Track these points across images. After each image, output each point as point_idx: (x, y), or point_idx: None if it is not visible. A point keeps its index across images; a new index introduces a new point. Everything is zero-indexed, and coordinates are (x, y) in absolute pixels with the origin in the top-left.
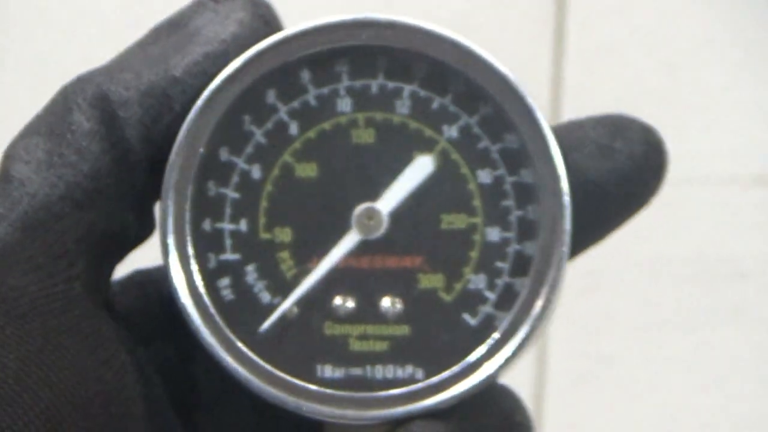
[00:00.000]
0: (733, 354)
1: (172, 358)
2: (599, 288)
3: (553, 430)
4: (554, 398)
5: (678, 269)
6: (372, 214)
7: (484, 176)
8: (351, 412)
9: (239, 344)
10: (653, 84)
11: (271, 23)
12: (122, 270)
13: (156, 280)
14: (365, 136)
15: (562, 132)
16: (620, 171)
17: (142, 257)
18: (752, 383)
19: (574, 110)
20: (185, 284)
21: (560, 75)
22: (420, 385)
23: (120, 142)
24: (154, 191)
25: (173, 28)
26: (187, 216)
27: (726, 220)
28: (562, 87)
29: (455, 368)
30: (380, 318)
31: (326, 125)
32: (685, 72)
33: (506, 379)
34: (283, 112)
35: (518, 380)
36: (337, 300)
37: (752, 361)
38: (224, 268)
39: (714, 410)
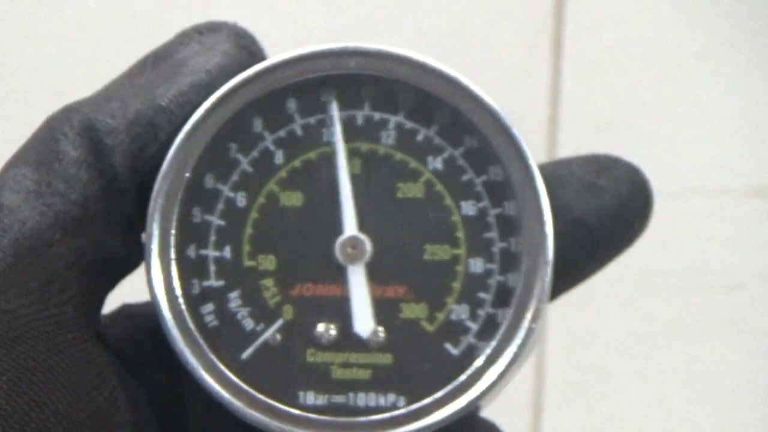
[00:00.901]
0: (728, 365)
1: (161, 385)
2: (594, 300)
3: None
4: (551, 409)
5: (672, 281)
6: (354, 243)
7: (468, 208)
8: None
9: (222, 368)
10: (648, 95)
11: (255, 54)
12: (110, 305)
13: (145, 314)
14: (351, 166)
15: (549, 169)
16: (605, 209)
17: (132, 288)
18: (747, 395)
19: (572, 120)
20: (169, 309)
21: (558, 86)
22: (401, 411)
23: (107, 170)
24: (142, 218)
25: (159, 59)
26: (172, 241)
27: (719, 231)
28: (560, 98)
29: (436, 395)
30: (363, 346)
31: (312, 155)
32: (678, 84)
33: (503, 393)
34: (269, 141)
35: (516, 391)
36: (320, 327)
37: (747, 372)
38: (208, 295)
39: (709, 421)
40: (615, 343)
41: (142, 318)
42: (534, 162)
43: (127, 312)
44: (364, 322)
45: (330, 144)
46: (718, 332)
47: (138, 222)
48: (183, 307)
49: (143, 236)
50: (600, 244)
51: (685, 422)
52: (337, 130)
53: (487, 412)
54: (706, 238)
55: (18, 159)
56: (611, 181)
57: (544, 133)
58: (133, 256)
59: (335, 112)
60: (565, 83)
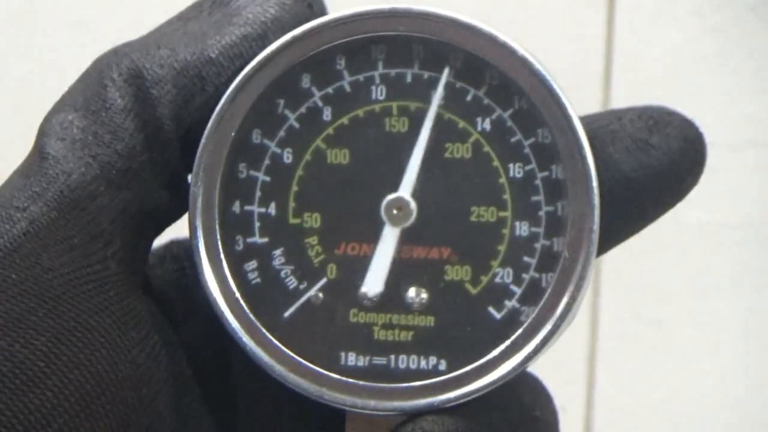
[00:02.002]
0: None
1: (201, 339)
2: (651, 251)
3: (603, 392)
4: (605, 360)
5: (729, 233)
6: (400, 204)
7: (516, 170)
8: (373, 402)
9: (263, 330)
10: (704, 47)
11: (314, 7)
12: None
13: (192, 255)
14: (398, 124)
15: (601, 122)
16: (655, 167)
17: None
18: None
19: (625, 72)
20: (211, 267)
21: (611, 37)
22: (442, 377)
23: (152, 121)
24: (187, 168)
25: (215, 5)
26: (217, 198)
27: None
28: (613, 50)
29: (478, 362)
30: (406, 308)
31: (360, 112)
32: (734, 36)
33: (558, 343)
34: (317, 98)
35: (570, 343)
36: (363, 288)
37: None
38: (251, 252)
39: (766, 373)
40: (670, 295)
41: (190, 259)
42: (582, 129)
43: (175, 251)
44: (374, 283)
45: (378, 101)
46: None
47: (182, 173)
48: (226, 265)
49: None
50: (649, 201)
51: (741, 375)
52: (438, 94)
53: (541, 364)
54: (764, 190)
55: (65, 103)
56: (663, 138)
57: (599, 83)
58: (177, 206)
59: (444, 77)
60: (618, 34)
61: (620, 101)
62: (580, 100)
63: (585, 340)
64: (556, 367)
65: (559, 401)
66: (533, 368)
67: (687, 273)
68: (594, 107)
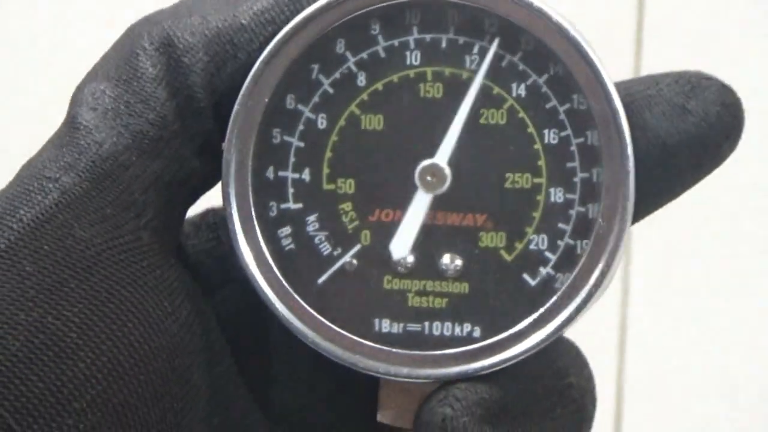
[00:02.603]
0: None
1: (235, 306)
2: (682, 219)
3: (634, 361)
4: (636, 330)
5: (763, 200)
6: (435, 170)
7: (551, 136)
8: (406, 370)
9: (296, 297)
10: (739, 10)
11: None
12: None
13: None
14: (433, 90)
15: (638, 87)
16: (692, 133)
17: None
18: None
19: (657, 35)
20: (244, 234)
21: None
22: (475, 345)
23: (183, 89)
24: (220, 135)
25: None
26: (250, 165)
27: None
28: (645, 11)
29: (512, 329)
30: (440, 274)
31: (394, 78)
32: None
33: (589, 312)
34: (351, 63)
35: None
36: (390, 250)
37: None
38: (285, 217)
39: None
40: (702, 263)
41: (225, 230)
42: (617, 96)
43: (210, 220)
44: (401, 245)
45: (413, 67)
46: None
47: (215, 140)
48: (259, 232)
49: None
50: (685, 166)
51: None
52: (485, 65)
53: (572, 333)
54: None
55: (97, 71)
56: (700, 103)
57: (631, 48)
58: (211, 174)
59: (493, 48)
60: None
61: (652, 67)
62: (612, 67)
63: (616, 309)
64: (587, 336)
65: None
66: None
67: (719, 241)
68: (626, 74)
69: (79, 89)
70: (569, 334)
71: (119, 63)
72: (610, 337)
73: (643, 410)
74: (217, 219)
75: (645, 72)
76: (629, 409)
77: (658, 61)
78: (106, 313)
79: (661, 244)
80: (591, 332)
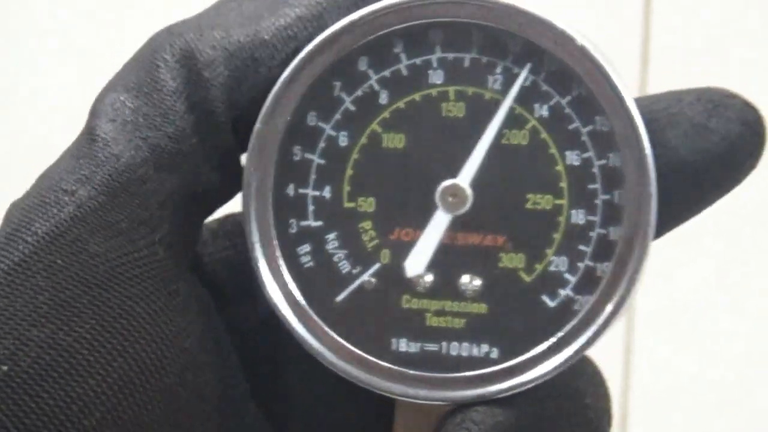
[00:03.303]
0: None
1: (252, 320)
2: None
3: (639, 377)
4: (641, 346)
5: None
6: (456, 191)
7: (573, 158)
8: (423, 392)
9: (314, 316)
10: (746, 21)
11: None
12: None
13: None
14: (455, 109)
15: (660, 104)
16: (713, 152)
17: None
18: None
19: (664, 50)
20: (263, 251)
21: (650, 11)
22: (493, 367)
23: (203, 103)
24: (240, 150)
25: None
26: (271, 182)
27: None
28: (651, 24)
29: (531, 352)
30: (458, 295)
31: (416, 96)
32: None
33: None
34: (374, 81)
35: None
36: (405, 267)
37: None
38: (305, 235)
39: None
40: (707, 280)
41: (242, 238)
42: (640, 118)
43: (229, 227)
44: (415, 263)
45: (435, 86)
46: None
47: (234, 154)
48: (279, 250)
49: (244, 168)
50: (707, 186)
51: None
52: (514, 90)
53: None
54: None
55: (118, 82)
56: (722, 122)
57: (637, 60)
58: (229, 188)
59: (525, 72)
60: (656, 8)
61: (658, 78)
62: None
63: (622, 325)
64: (593, 353)
65: None
66: None
67: (724, 258)
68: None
69: (99, 99)
70: None
71: (140, 74)
72: (615, 355)
73: (649, 424)
74: (235, 226)
75: (651, 86)
76: (634, 423)
77: (664, 74)
78: (118, 329)
79: (666, 262)
80: (596, 350)
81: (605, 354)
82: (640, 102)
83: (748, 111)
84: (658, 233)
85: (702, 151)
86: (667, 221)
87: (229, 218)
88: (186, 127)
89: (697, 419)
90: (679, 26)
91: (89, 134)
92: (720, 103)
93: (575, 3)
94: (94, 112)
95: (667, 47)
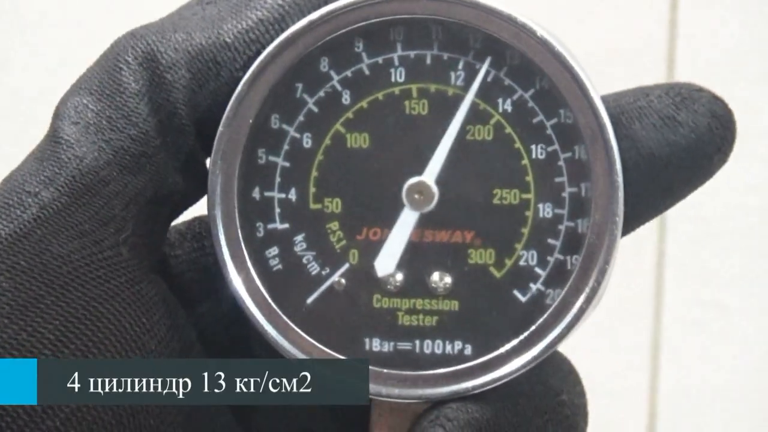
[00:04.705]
0: None
1: (220, 321)
2: (713, 235)
3: (667, 377)
4: (669, 345)
5: None
6: (422, 188)
7: (538, 152)
8: (397, 390)
9: (284, 317)
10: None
11: None
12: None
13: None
14: (418, 107)
15: (628, 99)
16: (682, 145)
17: None
18: None
19: (690, 56)
20: (231, 255)
21: (675, 20)
22: (467, 364)
23: (165, 105)
24: (203, 152)
25: None
26: (236, 186)
27: None
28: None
29: (504, 347)
30: (429, 293)
31: (379, 95)
32: None
33: (622, 329)
34: (336, 81)
35: (635, 327)
36: (375, 266)
37: None
38: (273, 238)
39: None
40: (734, 278)
41: (210, 240)
42: (604, 110)
43: (196, 229)
44: (385, 263)
45: (398, 84)
46: None
47: (198, 157)
48: (247, 252)
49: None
50: (675, 179)
51: None
52: (475, 84)
53: (606, 350)
54: None
55: (81, 85)
56: (690, 114)
57: (663, 67)
58: (193, 191)
59: (485, 66)
60: (682, 15)
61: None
62: (644, 83)
63: (649, 324)
64: (621, 352)
65: (623, 386)
66: (595, 352)
67: (750, 255)
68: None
69: (62, 102)
70: (602, 352)
71: (102, 77)
72: (643, 354)
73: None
74: (203, 229)
75: None
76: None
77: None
78: (82, 330)
79: (694, 261)
80: (624, 350)
81: (633, 354)
82: (608, 97)
83: (717, 104)
84: (631, 227)
85: (670, 143)
86: (639, 215)
87: (197, 220)
88: (149, 129)
89: (726, 419)
90: (704, 36)
91: (53, 137)
92: (688, 96)
93: (601, 13)
94: (58, 115)
95: (692, 57)
